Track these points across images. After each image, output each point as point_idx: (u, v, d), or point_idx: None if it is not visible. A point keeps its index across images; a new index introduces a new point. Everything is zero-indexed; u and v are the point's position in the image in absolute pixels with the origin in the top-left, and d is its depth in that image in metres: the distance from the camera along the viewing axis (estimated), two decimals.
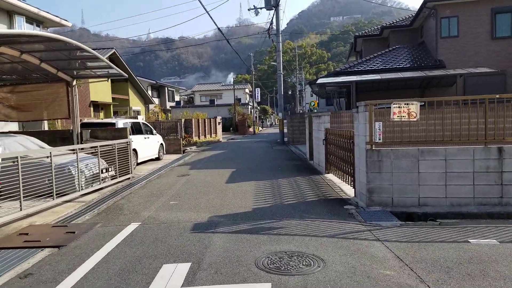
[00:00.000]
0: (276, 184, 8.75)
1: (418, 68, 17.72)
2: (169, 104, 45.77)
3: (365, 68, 18.91)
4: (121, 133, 10.62)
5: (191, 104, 56.14)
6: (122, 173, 9.98)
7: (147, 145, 13.73)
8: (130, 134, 11.91)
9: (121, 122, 12.24)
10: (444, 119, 6.42)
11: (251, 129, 42.37)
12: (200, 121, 23.38)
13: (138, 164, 13.13)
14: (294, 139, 20.52)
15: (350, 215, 6.02)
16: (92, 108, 26.39)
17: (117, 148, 9.80)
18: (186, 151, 19.15)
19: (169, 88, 47.81)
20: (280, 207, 6.62)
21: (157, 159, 15.04)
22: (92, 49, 9.61)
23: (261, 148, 19.22)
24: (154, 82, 44.18)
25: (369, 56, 21.25)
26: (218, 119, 28.21)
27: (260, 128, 51.27)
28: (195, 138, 21.86)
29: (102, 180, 8.95)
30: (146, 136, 13.84)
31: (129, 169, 10.39)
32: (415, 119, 6.34)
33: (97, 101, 26.34)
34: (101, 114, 28.36)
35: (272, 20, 20.46)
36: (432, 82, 18.00)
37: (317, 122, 11.25)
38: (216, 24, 19.16)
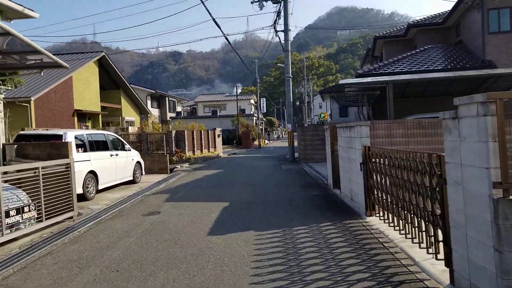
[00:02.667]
0: (292, 242, 5.21)
1: (460, 70, 14.28)
2: (169, 115, 42.75)
3: (393, 70, 15.49)
4: (59, 151, 7.23)
5: (194, 115, 53.06)
6: (56, 211, 6.57)
7: (114, 165, 10.33)
8: (87, 151, 8.56)
9: (71, 135, 8.86)
10: None
11: (256, 143, 38.92)
12: (195, 133, 19.98)
13: (98, 191, 9.71)
14: (306, 156, 17.02)
15: None
16: (76, 118, 23.23)
17: (47, 174, 6.41)
18: (175, 169, 15.73)
19: (170, 98, 44.85)
20: None
21: (132, 182, 11.64)
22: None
23: (267, 168, 15.72)
24: (154, 91, 41.23)
25: (392, 59, 17.83)
26: (218, 131, 24.76)
27: (266, 141, 47.79)
28: (188, 154, 18.45)
29: (13, 225, 5.58)
30: (114, 153, 10.45)
31: (71, 204, 6.97)
32: None
33: (83, 110, 23.18)
34: (89, 125, 25.21)
35: (279, 10, 17.18)
36: (482, 86, 14.49)
37: (346, 136, 7.80)
38: (222, 31, 16.09)
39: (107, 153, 10.13)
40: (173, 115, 43.79)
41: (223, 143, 39.59)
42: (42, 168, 6.32)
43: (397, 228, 5.37)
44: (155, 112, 41.94)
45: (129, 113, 30.65)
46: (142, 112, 32.20)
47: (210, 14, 13.20)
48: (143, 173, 12.56)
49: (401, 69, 15.47)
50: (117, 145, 11.00)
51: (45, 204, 6.30)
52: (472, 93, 15.20)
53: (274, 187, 10.29)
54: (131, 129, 24.80)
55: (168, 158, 14.66)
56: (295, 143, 19.55)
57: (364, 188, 6.59)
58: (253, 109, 57.97)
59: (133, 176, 11.59)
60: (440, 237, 3.98)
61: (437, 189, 3.94)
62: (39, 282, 4.13)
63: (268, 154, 25.19)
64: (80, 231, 6.18)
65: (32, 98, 18.46)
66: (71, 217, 6.99)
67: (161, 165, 14.49)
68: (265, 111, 50.51)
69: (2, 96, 8.00)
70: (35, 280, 4.20)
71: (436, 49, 17.63)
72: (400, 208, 5.19)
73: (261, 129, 42.89)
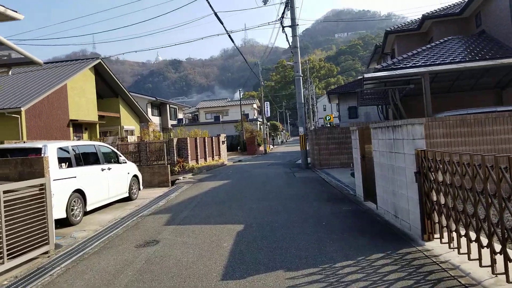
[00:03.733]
0: None
1: (491, 59, 12.79)
2: (171, 123, 41.46)
3: (414, 63, 14.01)
4: (32, 168, 5.80)
5: (196, 122, 51.73)
6: (26, 246, 5.13)
7: (106, 182, 8.88)
8: (74, 166, 7.14)
9: (52, 147, 7.41)
10: None
11: (261, 148, 37.43)
12: (198, 141, 18.54)
13: (87, 213, 8.27)
14: (321, 161, 15.53)
15: None
16: (72, 129, 21.88)
17: (12, 200, 4.98)
18: (177, 181, 14.29)
19: (171, 106, 43.59)
20: None
21: (128, 199, 10.18)
22: None
23: (279, 176, 14.24)
24: (154, 99, 39.96)
25: (410, 52, 16.36)
26: (222, 137, 23.29)
27: (271, 147, 46.32)
28: (191, 163, 17.00)
29: None
30: (106, 166, 9.00)
31: (46, 235, 5.53)
32: None
33: (78, 120, 21.83)
34: (85, 136, 23.85)
35: (287, 1, 15.70)
36: None
37: (386, 139, 6.34)
38: (224, 27, 14.65)
39: (98, 167, 8.68)
40: (175, 122, 42.50)
41: (227, 150, 38.21)
42: (5, 192, 4.88)
43: (473, 258, 3.88)
44: (156, 120, 40.66)
45: (128, 122, 29.30)
46: (142, 120, 30.83)
47: (211, 7, 11.81)
48: (141, 187, 11.10)
49: (423, 62, 14.00)
50: (110, 158, 9.56)
51: (8, 240, 4.85)
52: (506, 85, 13.76)
53: (293, 201, 8.80)
54: (130, 138, 23.45)
55: (169, 169, 13.21)
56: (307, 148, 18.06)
57: (420, 205, 5.10)
58: (256, 114, 56.58)
59: (129, 193, 10.13)
60: None
61: None
62: None
63: (276, 160, 23.70)
64: (53, 274, 4.72)
65: (23, 109, 17.12)
66: (46, 252, 5.54)
67: (161, 178, 13.05)
68: (269, 115, 49.13)
69: None
70: None
71: (456, 41, 16.16)
72: (486, 233, 3.69)
73: (266, 134, 41.43)
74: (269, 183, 12.20)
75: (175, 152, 16.23)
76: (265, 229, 6.25)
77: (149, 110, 39.50)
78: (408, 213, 5.58)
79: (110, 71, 25.44)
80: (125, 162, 10.20)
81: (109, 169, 9.10)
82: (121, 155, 10.29)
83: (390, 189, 6.30)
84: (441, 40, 16.65)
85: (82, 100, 22.73)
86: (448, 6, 19.78)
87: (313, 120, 61.85)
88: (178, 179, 14.68)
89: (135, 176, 10.66)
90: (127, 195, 10.04)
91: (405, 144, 5.49)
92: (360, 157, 8.22)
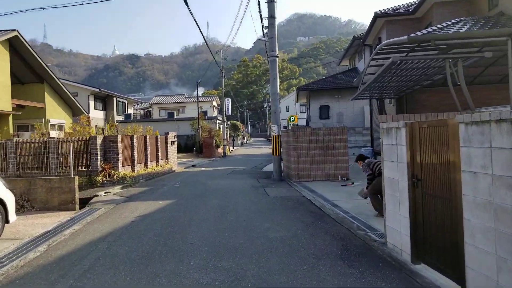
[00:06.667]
0: None
1: None
2: (118, 119, 36.10)
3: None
4: None
5: (147, 119, 46.32)
6: None
7: None
8: None
9: None
10: None
11: (220, 150, 33.07)
12: (136, 140, 13.92)
13: None
14: (300, 171, 11.58)
15: None
16: None
17: None
18: (94, 199, 9.72)
19: (118, 99, 38.12)
20: None
21: None
22: None
23: (246, 193, 10.09)
24: (98, 90, 34.45)
25: (446, 23, 12.77)
26: (171, 136, 18.63)
27: (231, 148, 42.07)
28: (123, 170, 12.40)
29: None
30: None
31: None
32: None
33: None
34: None
35: None
36: None
37: (507, 147, 2.46)
38: (191, 13, 10.39)
39: None
40: (122, 118, 37.12)
41: (181, 151, 33.27)
42: None
43: None
44: (99, 114, 35.13)
45: (57, 115, 23.86)
46: (76, 113, 25.44)
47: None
48: (11, 219, 6.50)
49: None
50: None
51: None
52: None
53: (279, 261, 4.70)
54: (52, 134, 18.21)
55: (76, 183, 8.60)
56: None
57: None
58: (215, 113, 52.12)
59: None
60: None
61: None
62: None
63: (239, 166, 19.45)
64: None
65: None
66: None
67: (63, 196, 8.46)
68: (230, 113, 44.85)
69: None
70: None
71: (469, 22, 12.92)
72: None
73: (226, 134, 37.12)
74: (231, 209, 8.01)
75: (98, 154, 11.57)
76: None
77: (92, 103, 33.98)
78: None
79: (31, 49, 20.08)
80: None
81: None
82: None
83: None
84: (449, 22, 13.36)
85: None
86: None
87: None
88: (98, 195, 10.08)
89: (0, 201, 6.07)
90: None
91: None
92: (407, 180, 4.30)
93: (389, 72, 7.58)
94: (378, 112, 12.95)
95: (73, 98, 24.92)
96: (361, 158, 7.41)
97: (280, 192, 9.97)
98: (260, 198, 9.21)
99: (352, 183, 9.90)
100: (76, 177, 8.77)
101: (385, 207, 5.19)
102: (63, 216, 8.07)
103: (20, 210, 8.57)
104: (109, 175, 11.62)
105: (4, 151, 12.03)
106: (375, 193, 6.77)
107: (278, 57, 12.45)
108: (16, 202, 8.62)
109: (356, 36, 24.97)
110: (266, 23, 12.60)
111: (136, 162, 13.61)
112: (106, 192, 10.49)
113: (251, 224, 6.61)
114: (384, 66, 6.84)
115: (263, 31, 16.80)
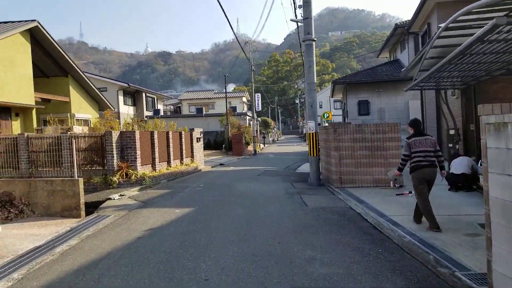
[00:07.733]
0: None
1: None
2: (147, 114, 35.54)
3: None
4: None
5: (177, 114, 45.64)
6: None
7: None
8: None
9: None
10: None
11: (250, 148, 31.60)
12: (157, 136, 12.62)
13: None
14: (343, 175, 9.82)
15: None
16: None
17: None
18: (105, 203, 8.43)
19: (148, 95, 37.53)
20: None
21: None
22: None
23: (278, 201, 8.49)
24: (127, 85, 33.88)
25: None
26: (197, 132, 17.21)
27: (261, 146, 40.52)
28: (142, 170, 11.12)
29: None
30: None
31: None
32: None
33: (2, 102, 15.82)
34: (16, 124, 17.79)
35: None
36: None
37: None
38: (225, 13, 9.05)
39: None
40: (151, 113, 36.50)
41: (210, 148, 32.10)
42: None
43: None
44: (129, 110, 34.59)
45: (83, 109, 23.23)
46: (103, 108, 24.74)
47: None
48: None
49: None
50: None
51: None
52: None
53: None
54: (76, 129, 17.34)
55: (80, 185, 7.32)
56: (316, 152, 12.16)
57: None
58: (245, 109, 50.78)
59: None
60: None
61: None
62: None
63: (269, 166, 17.81)
64: None
65: None
66: None
67: (67, 200, 7.20)
68: (260, 109, 43.28)
69: None
70: None
71: None
72: None
73: (256, 131, 35.61)
74: (261, 224, 6.42)
75: (114, 152, 10.32)
76: None
77: (121, 98, 33.47)
78: None
79: (53, 40, 19.34)
80: None
81: None
82: None
83: None
84: None
85: (9, 74, 16.64)
86: None
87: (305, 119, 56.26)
88: (110, 198, 8.80)
89: None
90: None
91: None
92: None
93: (476, 47, 5.62)
94: (437, 106, 10.88)
95: (98, 93, 24.21)
96: (414, 124, 5.77)
97: (321, 201, 8.25)
98: (296, 209, 7.55)
99: (410, 192, 8.07)
100: (81, 179, 7.49)
101: (493, 242, 3.42)
102: (64, 226, 6.82)
103: (18, 215, 7.41)
104: (126, 174, 10.35)
105: (15, 147, 11.05)
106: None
107: (315, 40, 10.71)
108: (15, 206, 7.48)
109: (399, 23, 22.63)
110: (298, 1, 10.87)
111: (157, 160, 12.32)
112: (120, 195, 9.20)
113: (287, 250, 4.99)
114: (475, 36, 4.94)
115: (295, 12, 15.06)
